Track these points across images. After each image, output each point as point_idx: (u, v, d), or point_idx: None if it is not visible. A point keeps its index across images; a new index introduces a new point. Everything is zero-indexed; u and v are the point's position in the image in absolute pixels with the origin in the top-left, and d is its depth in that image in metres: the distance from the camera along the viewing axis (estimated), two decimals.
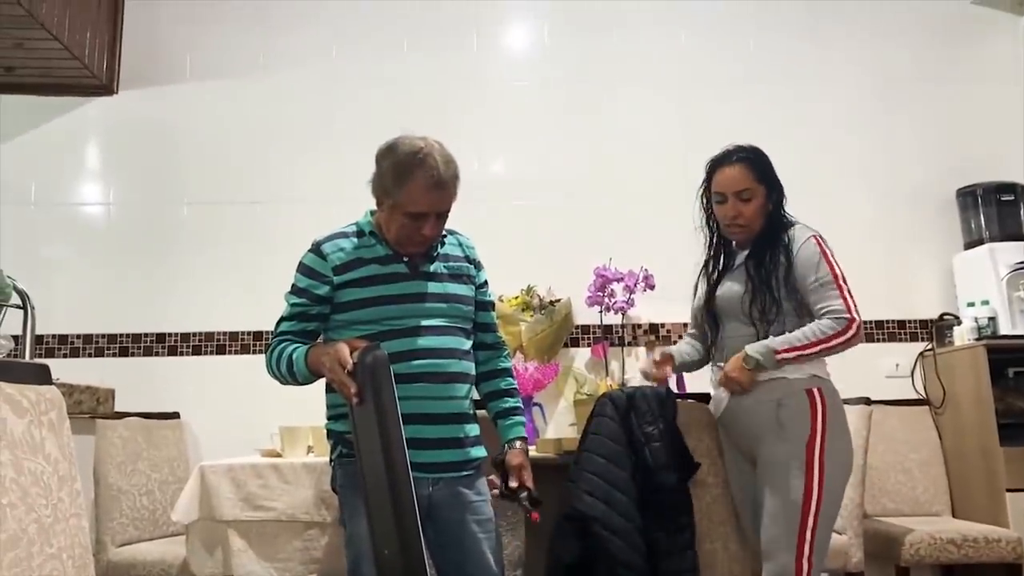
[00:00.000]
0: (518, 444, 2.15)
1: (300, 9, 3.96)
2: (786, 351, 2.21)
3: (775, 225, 2.36)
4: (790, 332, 2.25)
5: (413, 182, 1.96)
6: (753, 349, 2.24)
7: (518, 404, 2.24)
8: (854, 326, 2.20)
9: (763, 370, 2.23)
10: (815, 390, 2.23)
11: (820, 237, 2.34)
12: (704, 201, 2.48)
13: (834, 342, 2.20)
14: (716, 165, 2.42)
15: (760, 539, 2.23)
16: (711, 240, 2.51)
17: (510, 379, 2.26)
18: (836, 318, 2.21)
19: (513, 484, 2.09)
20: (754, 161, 2.38)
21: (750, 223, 2.35)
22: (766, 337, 2.26)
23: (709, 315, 2.44)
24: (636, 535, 2.34)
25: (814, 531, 2.15)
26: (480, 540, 2.04)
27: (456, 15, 3.99)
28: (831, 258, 2.29)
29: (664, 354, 2.51)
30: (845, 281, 2.26)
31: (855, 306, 2.23)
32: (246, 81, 3.91)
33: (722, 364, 2.35)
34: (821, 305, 2.24)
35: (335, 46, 3.95)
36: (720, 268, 2.47)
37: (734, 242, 2.46)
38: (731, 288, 2.36)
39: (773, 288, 2.28)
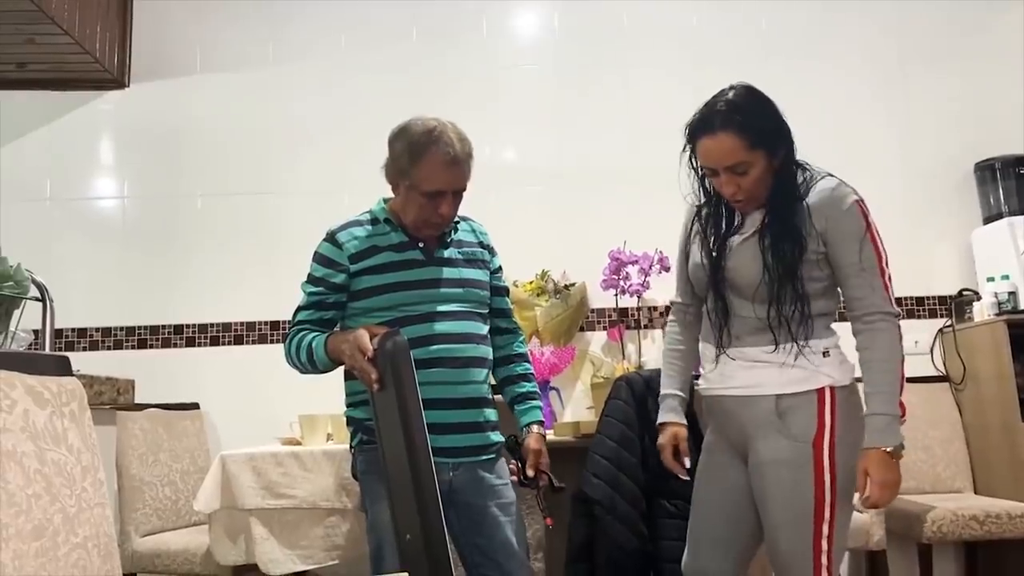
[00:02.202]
0: (535, 428, 2.16)
1: None
2: (901, 403, 1.84)
3: (788, 186, 1.92)
4: (817, 328, 1.89)
5: (429, 160, 1.97)
6: (886, 437, 1.81)
7: (534, 389, 2.24)
8: (898, 321, 1.90)
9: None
10: (826, 389, 1.89)
11: (863, 203, 1.92)
12: (692, 168, 2.00)
13: (903, 352, 1.88)
14: (696, 133, 1.91)
15: (771, 554, 1.92)
16: (709, 197, 2.03)
17: (526, 364, 2.26)
18: (885, 321, 1.87)
19: (530, 473, 2.09)
20: (743, 123, 1.86)
21: (752, 195, 1.91)
22: (773, 330, 1.88)
23: (716, 293, 1.97)
24: (639, 520, 2.34)
25: (830, 539, 1.84)
26: (503, 524, 2.04)
27: (465, 0, 3.97)
28: (876, 235, 1.90)
29: (674, 438, 2.08)
30: (888, 264, 1.92)
31: (892, 296, 1.90)
32: (256, 73, 3.90)
33: (709, 342, 2.00)
34: (862, 297, 1.88)
35: (344, 36, 3.93)
36: (723, 227, 1.99)
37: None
38: (744, 265, 1.91)
39: (798, 278, 1.87)
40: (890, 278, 1.90)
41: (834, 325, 1.99)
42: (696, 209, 2.06)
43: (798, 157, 1.98)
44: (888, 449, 1.80)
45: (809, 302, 1.89)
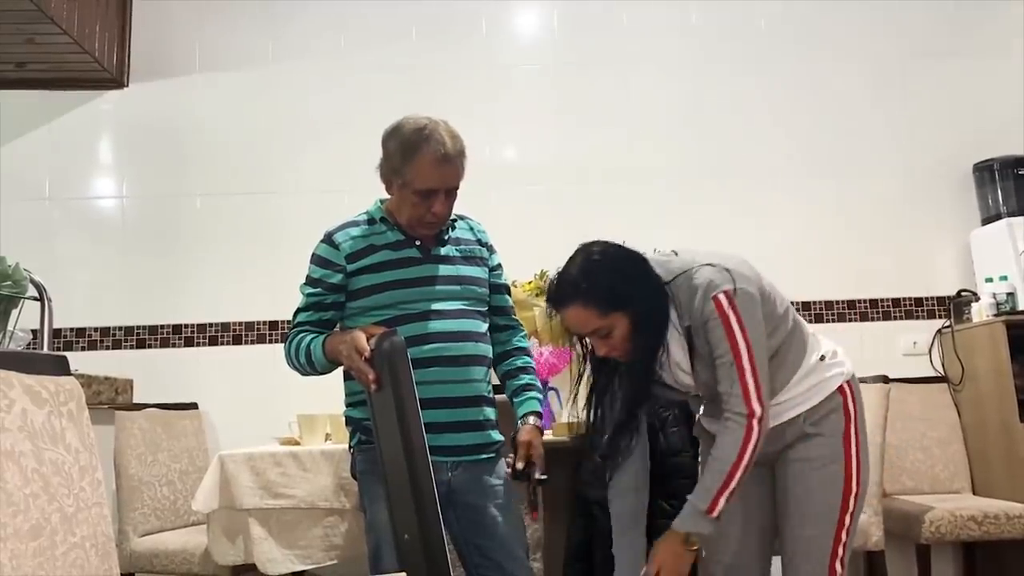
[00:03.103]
0: (531, 420, 2.14)
1: None
2: (714, 503, 1.82)
3: (650, 337, 1.86)
4: (788, 369, 1.92)
5: (420, 158, 1.97)
6: (686, 526, 1.84)
7: (534, 381, 2.23)
8: (755, 422, 1.80)
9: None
10: (844, 385, 1.96)
11: (729, 293, 1.81)
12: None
13: (746, 456, 1.80)
14: (553, 306, 1.92)
15: (790, 543, 1.94)
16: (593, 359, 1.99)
17: (527, 357, 2.25)
18: (734, 421, 1.82)
19: (519, 464, 2.08)
20: (589, 292, 1.83)
21: (627, 349, 1.87)
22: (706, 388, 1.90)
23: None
24: None
25: (850, 530, 1.92)
26: (501, 524, 2.04)
27: (464, 0, 3.97)
28: (737, 327, 1.81)
29: None
30: (754, 358, 1.81)
31: (756, 391, 1.80)
32: (256, 72, 3.90)
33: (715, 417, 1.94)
34: (722, 392, 1.84)
35: (344, 35, 3.93)
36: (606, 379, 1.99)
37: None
38: (690, 372, 1.91)
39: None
40: (755, 371, 1.81)
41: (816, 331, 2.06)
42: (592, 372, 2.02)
43: (661, 258, 1.93)
44: (681, 533, 1.84)
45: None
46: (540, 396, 2.22)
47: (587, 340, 1.95)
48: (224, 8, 3.94)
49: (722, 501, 1.81)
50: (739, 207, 3.79)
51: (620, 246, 1.92)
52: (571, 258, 1.92)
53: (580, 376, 2.03)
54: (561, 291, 1.88)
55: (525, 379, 2.22)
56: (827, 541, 1.90)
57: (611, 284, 1.84)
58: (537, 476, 2.07)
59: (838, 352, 2.02)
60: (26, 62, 3.67)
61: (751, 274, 1.91)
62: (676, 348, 1.90)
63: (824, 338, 2.06)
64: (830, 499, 1.91)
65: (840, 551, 1.90)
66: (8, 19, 3.28)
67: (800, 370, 1.95)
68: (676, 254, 1.94)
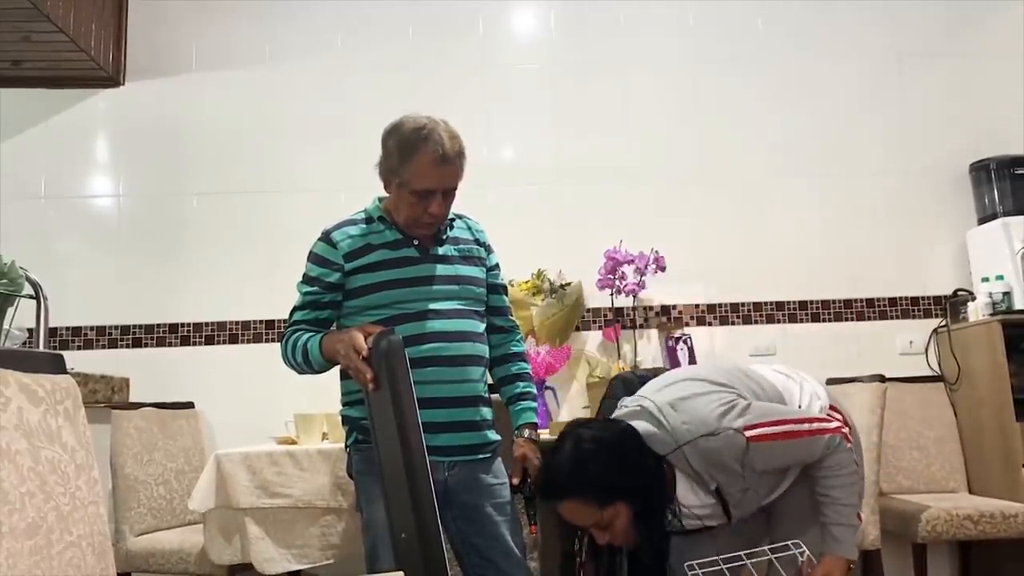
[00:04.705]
0: (526, 432, 2.16)
1: None
2: (859, 514, 1.90)
3: (653, 524, 1.82)
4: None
5: (419, 158, 1.96)
6: (842, 548, 1.85)
7: (529, 388, 2.23)
8: (841, 433, 1.86)
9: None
10: (828, 411, 1.98)
11: (744, 424, 1.80)
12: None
13: (857, 462, 1.91)
14: (547, 500, 1.89)
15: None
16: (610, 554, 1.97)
17: (522, 363, 2.25)
18: (837, 451, 1.85)
19: (515, 480, 2.10)
20: (585, 487, 1.79)
21: (629, 538, 1.84)
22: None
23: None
24: None
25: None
26: (498, 523, 2.04)
27: (462, 0, 3.97)
28: (777, 428, 1.81)
29: None
30: (799, 420, 1.85)
31: (823, 424, 1.86)
32: (252, 71, 3.90)
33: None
34: (815, 459, 1.86)
35: (341, 34, 3.93)
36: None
37: None
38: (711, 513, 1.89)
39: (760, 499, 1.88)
40: (809, 420, 1.85)
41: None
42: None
43: (653, 411, 1.89)
44: (846, 559, 1.87)
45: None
46: (535, 405, 2.23)
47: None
48: (221, 7, 3.93)
49: (859, 521, 1.88)
50: (736, 207, 3.80)
51: (610, 427, 1.87)
52: (560, 444, 1.86)
53: (579, 556, 1.99)
54: (554, 486, 1.82)
55: (521, 387, 2.22)
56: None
57: (607, 476, 1.78)
58: (525, 493, 2.09)
59: (805, 386, 2.02)
60: (22, 60, 3.66)
61: (726, 387, 1.89)
62: (687, 494, 1.86)
63: (784, 378, 2.05)
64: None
65: None
66: (4, 17, 3.27)
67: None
68: (657, 420, 1.85)
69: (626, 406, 1.97)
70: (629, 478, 1.78)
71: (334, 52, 3.91)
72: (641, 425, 1.87)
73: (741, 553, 1.79)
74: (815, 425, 1.84)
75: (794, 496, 1.95)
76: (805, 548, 1.78)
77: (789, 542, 1.79)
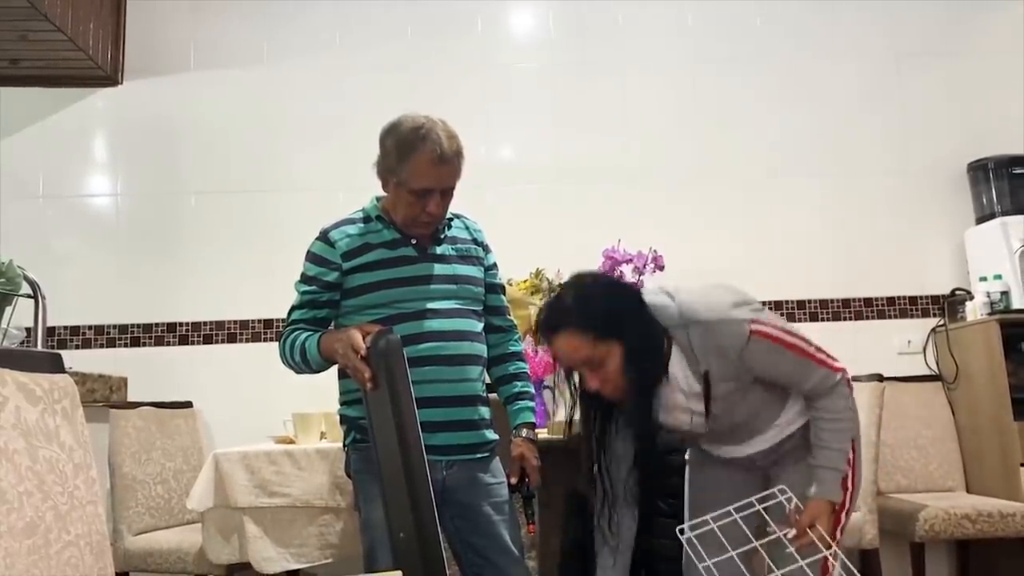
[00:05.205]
0: (524, 432, 2.16)
1: None
2: (849, 472, 1.87)
3: (644, 370, 1.81)
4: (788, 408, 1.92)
5: (417, 158, 1.96)
6: (826, 490, 1.84)
7: (527, 388, 2.24)
8: (847, 378, 1.87)
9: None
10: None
11: (756, 324, 1.78)
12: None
13: (853, 410, 1.88)
14: (545, 335, 1.85)
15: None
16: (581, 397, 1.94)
17: (520, 363, 2.25)
18: (833, 392, 1.85)
19: (513, 480, 2.11)
20: (583, 318, 1.78)
21: (619, 385, 1.81)
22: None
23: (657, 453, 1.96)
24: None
25: (843, 530, 1.92)
26: (496, 522, 2.04)
27: (461, 0, 3.97)
28: (785, 340, 1.81)
29: None
30: (807, 342, 1.84)
31: (830, 360, 1.86)
32: (250, 70, 3.89)
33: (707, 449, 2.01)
34: (804, 388, 1.87)
35: (339, 33, 3.93)
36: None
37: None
38: (686, 416, 1.88)
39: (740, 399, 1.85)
40: (818, 350, 1.85)
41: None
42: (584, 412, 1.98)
43: (668, 288, 1.88)
44: (828, 502, 1.84)
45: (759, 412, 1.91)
46: (533, 404, 2.23)
47: (576, 380, 1.90)
48: (219, 6, 3.93)
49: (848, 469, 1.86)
50: (734, 206, 3.80)
51: (613, 277, 1.90)
52: (563, 287, 1.88)
53: (570, 422, 1.98)
54: (554, 317, 1.81)
55: (519, 386, 2.22)
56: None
57: (606, 311, 1.78)
58: (524, 489, 2.10)
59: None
60: (20, 59, 3.66)
61: (752, 302, 1.89)
62: (674, 392, 1.86)
63: None
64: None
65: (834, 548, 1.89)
66: (2, 16, 3.27)
67: (790, 407, 1.95)
68: (669, 295, 1.86)
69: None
70: (626, 317, 1.79)
71: (332, 51, 3.91)
72: (652, 296, 1.87)
73: (731, 508, 1.78)
74: (822, 356, 1.85)
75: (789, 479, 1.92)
76: (792, 495, 1.79)
77: (775, 489, 1.80)
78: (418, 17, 3.94)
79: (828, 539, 1.78)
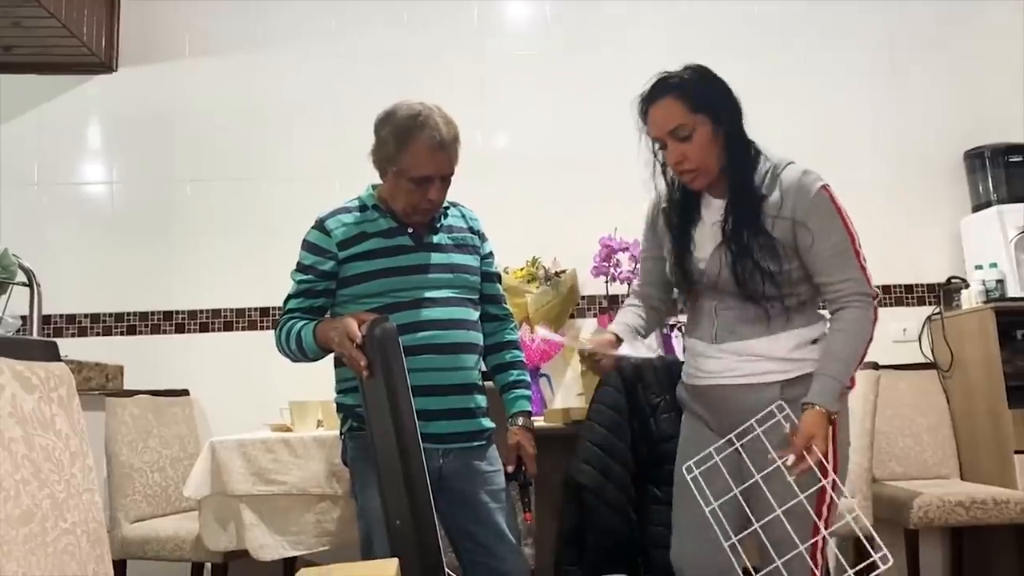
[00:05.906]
0: (520, 420, 2.17)
1: None
2: (852, 378, 1.87)
3: (741, 160, 1.93)
4: (807, 314, 1.92)
5: (415, 145, 1.96)
6: (824, 397, 1.82)
7: (523, 376, 2.24)
8: (876, 303, 1.88)
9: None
10: None
11: (829, 187, 1.92)
12: (652, 153, 2.07)
13: (874, 334, 1.87)
14: (645, 105, 1.99)
15: (767, 536, 1.82)
16: (670, 184, 2.08)
17: (516, 351, 2.26)
18: (861, 301, 1.86)
19: (510, 468, 2.12)
20: (684, 88, 1.93)
21: (700, 164, 1.92)
22: (767, 313, 1.90)
23: (695, 289, 2.02)
24: (628, 506, 2.36)
25: (828, 521, 1.88)
26: (493, 510, 2.05)
27: None
28: (846, 218, 1.89)
29: (603, 340, 2.03)
30: (861, 245, 1.89)
31: (869, 277, 1.88)
32: (245, 57, 3.87)
33: (703, 338, 2.00)
34: (836, 280, 1.87)
35: (334, 20, 3.91)
36: (687, 216, 2.04)
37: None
38: (710, 258, 1.95)
39: (764, 269, 1.87)
40: (864, 259, 1.89)
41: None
42: (656, 204, 2.15)
43: (761, 148, 2.01)
44: (826, 411, 1.83)
45: (789, 287, 1.91)
46: (529, 392, 2.24)
47: (664, 176, 2.05)
48: None
49: (856, 376, 1.88)
50: None
51: None
52: (665, 72, 2.01)
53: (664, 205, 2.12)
54: (657, 87, 1.96)
55: (515, 375, 2.23)
56: (805, 536, 1.83)
57: (708, 87, 1.95)
58: (522, 478, 2.11)
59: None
60: (13, 46, 3.63)
61: None
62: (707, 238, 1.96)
63: (825, 319, 2.01)
64: (804, 491, 1.79)
65: (820, 542, 1.89)
66: None
67: (798, 336, 1.93)
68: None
69: None
70: (724, 99, 1.95)
71: (327, 38, 3.89)
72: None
73: (731, 436, 1.86)
74: (865, 265, 1.88)
75: (776, 481, 1.87)
76: (789, 412, 1.80)
77: (772, 407, 1.81)
78: (414, 4, 3.92)
79: (825, 463, 1.80)
